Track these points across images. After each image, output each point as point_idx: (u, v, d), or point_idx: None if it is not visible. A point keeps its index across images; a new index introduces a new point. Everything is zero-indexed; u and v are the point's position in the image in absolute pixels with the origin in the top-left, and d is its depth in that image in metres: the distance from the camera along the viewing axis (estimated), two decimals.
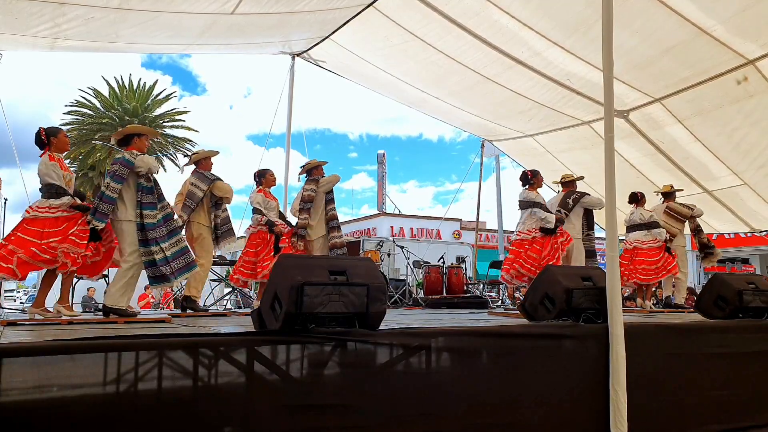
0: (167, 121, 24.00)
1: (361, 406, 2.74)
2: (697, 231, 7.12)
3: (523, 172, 6.19)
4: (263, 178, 5.93)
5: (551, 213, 5.93)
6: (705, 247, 7.08)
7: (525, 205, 5.98)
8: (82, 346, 2.33)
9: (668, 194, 7.21)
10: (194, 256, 4.68)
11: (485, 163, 11.30)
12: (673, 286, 7.20)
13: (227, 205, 5.48)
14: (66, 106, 23.47)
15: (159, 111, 23.92)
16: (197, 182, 5.29)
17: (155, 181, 4.39)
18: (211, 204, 5.32)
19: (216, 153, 5.57)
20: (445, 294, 9.00)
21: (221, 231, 5.28)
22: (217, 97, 77.71)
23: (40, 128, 4.13)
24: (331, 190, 6.10)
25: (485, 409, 3.06)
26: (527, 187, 6.06)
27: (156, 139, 22.17)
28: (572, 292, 3.68)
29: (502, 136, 9.95)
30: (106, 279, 5.77)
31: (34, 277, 4.72)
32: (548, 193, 7.22)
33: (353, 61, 8.03)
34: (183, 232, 4.79)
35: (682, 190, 7.59)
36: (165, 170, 22.91)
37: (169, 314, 4.76)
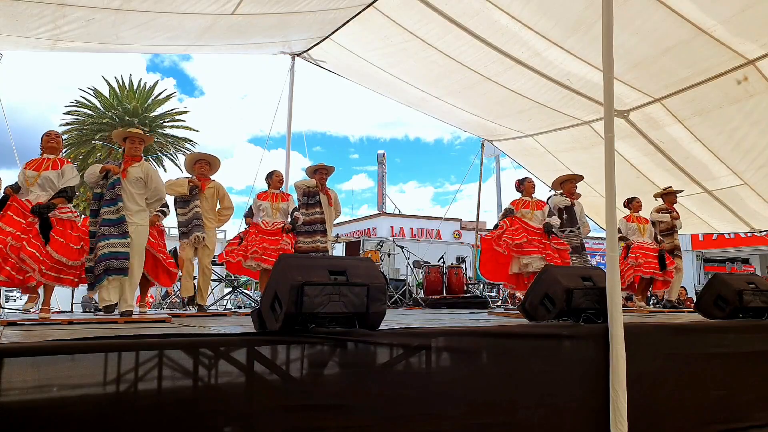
0: (167, 121, 23.99)
1: (361, 406, 2.74)
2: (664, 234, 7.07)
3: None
4: (269, 179, 5.99)
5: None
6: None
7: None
8: (82, 346, 2.33)
9: (665, 195, 7.20)
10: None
11: (485, 163, 11.31)
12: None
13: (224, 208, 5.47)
14: (66, 106, 23.45)
15: (159, 111, 23.92)
16: None
17: (111, 184, 4.23)
18: (177, 203, 5.26)
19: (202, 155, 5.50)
20: (445, 294, 9.01)
21: (185, 229, 5.15)
22: (216, 100, 77.68)
23: None
24: (307, 194, 5.97)
25: (485, 409, 3.06)
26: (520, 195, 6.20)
27: (156, 139, 22.16)
28: (572, 292, 3.68)
29: (502, 135, 9.94)
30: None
31: None
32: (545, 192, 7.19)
33: (353, 61, 8.03)
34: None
35: (682, 191, 7.57)
36: (165, 170, 22.92)
37: (168, 314, 4.76)
